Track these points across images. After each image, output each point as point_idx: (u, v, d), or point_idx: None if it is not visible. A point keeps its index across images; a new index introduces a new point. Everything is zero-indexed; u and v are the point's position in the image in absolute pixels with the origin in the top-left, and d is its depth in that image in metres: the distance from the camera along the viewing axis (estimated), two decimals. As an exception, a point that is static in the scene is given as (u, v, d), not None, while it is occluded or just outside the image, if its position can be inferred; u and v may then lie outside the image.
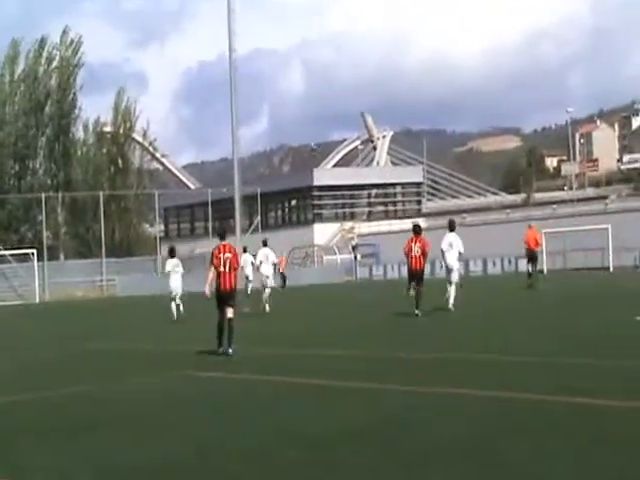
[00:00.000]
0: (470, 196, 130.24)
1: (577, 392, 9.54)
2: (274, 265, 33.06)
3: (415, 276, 23.57)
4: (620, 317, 19.02)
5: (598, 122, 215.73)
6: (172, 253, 28.90)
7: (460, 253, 24.49)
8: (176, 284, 28.22)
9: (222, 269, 16.02)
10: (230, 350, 15.76)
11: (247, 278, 33.44)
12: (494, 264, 64.95)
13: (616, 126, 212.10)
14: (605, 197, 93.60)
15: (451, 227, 24.80)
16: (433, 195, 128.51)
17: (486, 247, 64.01)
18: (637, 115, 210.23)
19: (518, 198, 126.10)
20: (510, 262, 62.63)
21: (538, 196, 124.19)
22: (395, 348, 15.68)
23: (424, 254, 23.71)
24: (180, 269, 28.54)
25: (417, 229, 24.48)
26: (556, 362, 12.31)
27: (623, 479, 6.36)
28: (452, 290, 24.02)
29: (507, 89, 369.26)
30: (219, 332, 16.01)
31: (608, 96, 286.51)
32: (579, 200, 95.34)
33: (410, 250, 23.78)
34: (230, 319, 15.91)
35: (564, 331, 17.03)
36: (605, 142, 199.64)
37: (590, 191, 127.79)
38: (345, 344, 16.97)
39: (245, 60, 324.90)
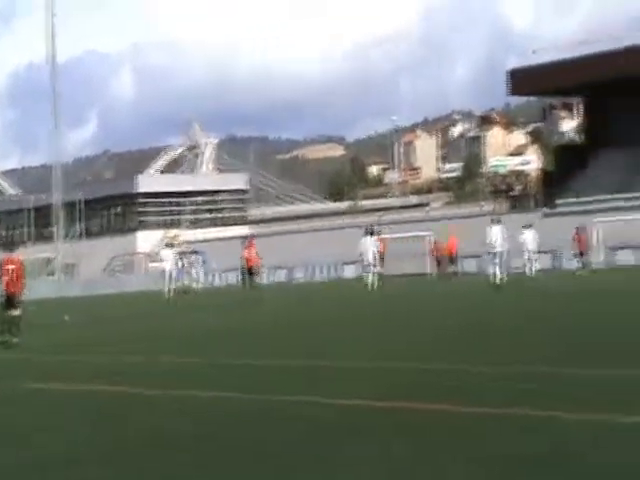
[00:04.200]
0: (295, 203, 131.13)
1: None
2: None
3: None
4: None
5: (419, 131, 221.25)
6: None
7: None
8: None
9: (8, 278, 19.39)
10: (15, 340, 19.00)
11: None
12: (321, 270, 65.41)
13: (436, 135, 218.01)
14: (426, 204, 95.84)
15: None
16: (258, 202, 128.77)
17: (311, 254, 64.41)
18: (456, 125, 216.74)
19: (343, 205, 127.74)
20: (336, 268, 63.14)
21: (363, 203, 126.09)
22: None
23: None
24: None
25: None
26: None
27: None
28: None
29: (335, 98, 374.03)
30: (5, 326, 19.35)
31: (431, 106, 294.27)
32: (401, 207, 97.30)
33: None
34: (15, 316, 19.34)
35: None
36: (426, 151, 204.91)
37: (412, 198, 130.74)
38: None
39: (75, 63, 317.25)
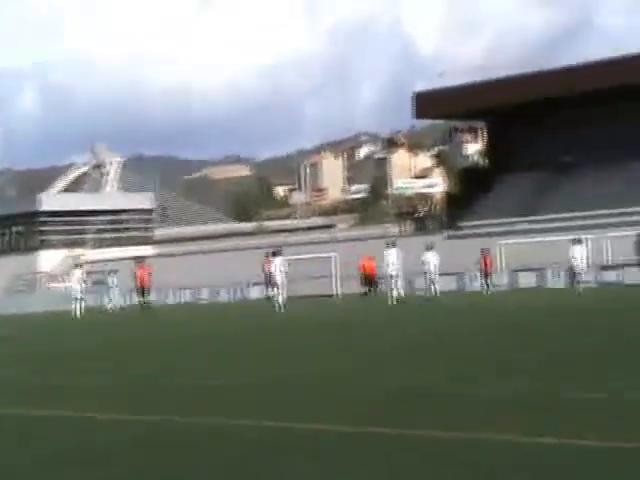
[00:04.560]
0: (201, 223, 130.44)
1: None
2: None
3: None
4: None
5: (326, 152, 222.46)
6: None
7: None
8: None
9: None
10: None
11: None
12: (226, 291, 65.04)
13: (342, 157, 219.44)
14: (332, 226, 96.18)
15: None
16: (164, 222, 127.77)
17: (217, 274, 64.00)
18: (362, 146, 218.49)
19: (249, 226, 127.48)
20: (242, 289, 62.83)
21: (269, 224, 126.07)
22: None
23: None
24: None
25: None
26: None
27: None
28: None
29: (243, 118, 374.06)
30: None
31: (336, 127, 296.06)
32: (308, 229, 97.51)
33: None
34: None
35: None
36: (332, 172, 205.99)
37: (318, 220, 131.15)
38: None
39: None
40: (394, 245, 39.00)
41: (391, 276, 37.73)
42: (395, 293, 37.26)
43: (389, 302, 36.45)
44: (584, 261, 41.72)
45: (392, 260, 37.69)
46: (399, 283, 38.28)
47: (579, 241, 42.25)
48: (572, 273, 43.18)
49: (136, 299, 48.37)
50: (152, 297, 50.68)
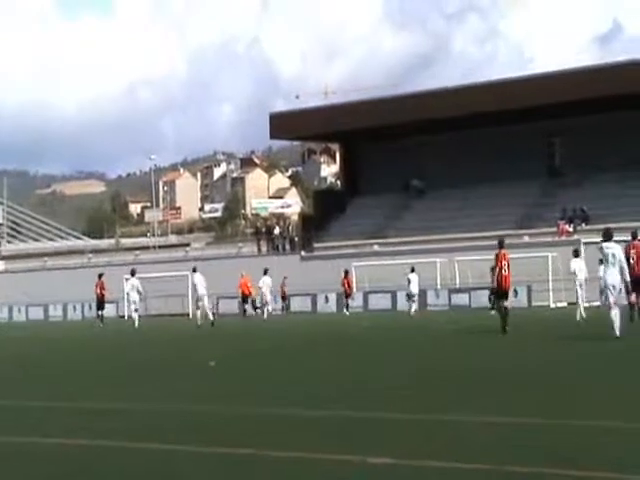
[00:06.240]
0: (52, 239, 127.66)
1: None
2: None
3: None
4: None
5: (182, 170, 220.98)
6: None
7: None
8: None
9: None
10: None
11: None
12: (74, 309, 63.90)
13: (199, 175, 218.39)
14: (187, 244, 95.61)
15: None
16: (14, 237, 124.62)
17: (68, 292, 62.80)
18: (219, 166, 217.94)
19: (103, 243, 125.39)
20: (91, 307, 61.77)
21: (123, 241, 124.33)
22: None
23: None
24: None
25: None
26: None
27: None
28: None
29: (99, 135, 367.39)
30: None
31: (194, 146, 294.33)
32: (161, 247, 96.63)
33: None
34: None
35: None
36: (188, 191, 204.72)
37: (173, 238, 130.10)
38: None
39: None
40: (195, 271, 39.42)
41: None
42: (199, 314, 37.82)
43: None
44: (416, 286, 44.30)
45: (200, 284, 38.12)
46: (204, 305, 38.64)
47: (412, 270, 44.65)
48: (409, 296, 45.01)
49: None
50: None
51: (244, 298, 51.44)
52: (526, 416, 9.93)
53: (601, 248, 20.93)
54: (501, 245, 25.23)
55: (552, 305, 46.06)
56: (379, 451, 8.08)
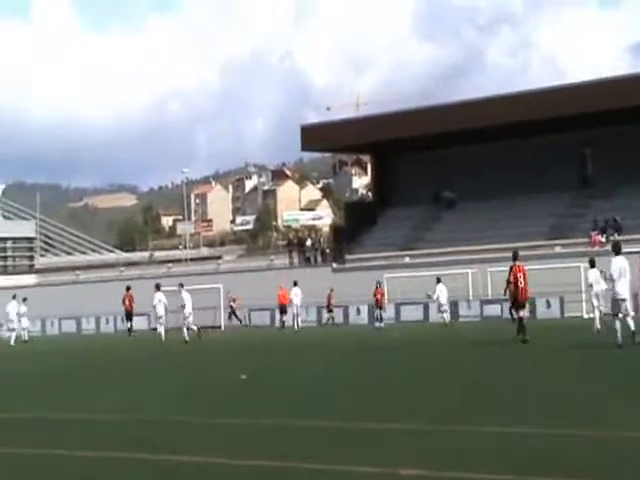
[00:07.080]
0: (85, 252, 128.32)
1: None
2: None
3: None
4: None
5: (213, 183, 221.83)
6: None
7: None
8: None
9: None
10: None
11: None
12: (107, 322, 64.18)
13: (230, 188, 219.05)
14: (219, 257, 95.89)
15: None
16: (46, 251, 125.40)
17: (100, 304, 63.04)
18: (250, 178, 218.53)
19: (135, 256, 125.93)
20: (123, 320, 62.05)
21: (156, 254, 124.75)
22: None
23: None
24: None
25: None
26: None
27: None
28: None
29: (130, 148, 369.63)
30: None
31: (225, 158, 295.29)
32: (193, 259, 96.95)
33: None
34: None
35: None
36: (219, 203, 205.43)
37: (204, 251, 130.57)
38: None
39: None
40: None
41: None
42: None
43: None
44: (444, 297, 44.85)
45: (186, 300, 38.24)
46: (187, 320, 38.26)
47: (439, 280, 45.03)
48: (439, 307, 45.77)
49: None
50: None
51: (282, 309, 51.45)
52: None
53: (610, 261, 21.62)
54: (515, 257, 25.73)
55: (585, 316, 45.69)
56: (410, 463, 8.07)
